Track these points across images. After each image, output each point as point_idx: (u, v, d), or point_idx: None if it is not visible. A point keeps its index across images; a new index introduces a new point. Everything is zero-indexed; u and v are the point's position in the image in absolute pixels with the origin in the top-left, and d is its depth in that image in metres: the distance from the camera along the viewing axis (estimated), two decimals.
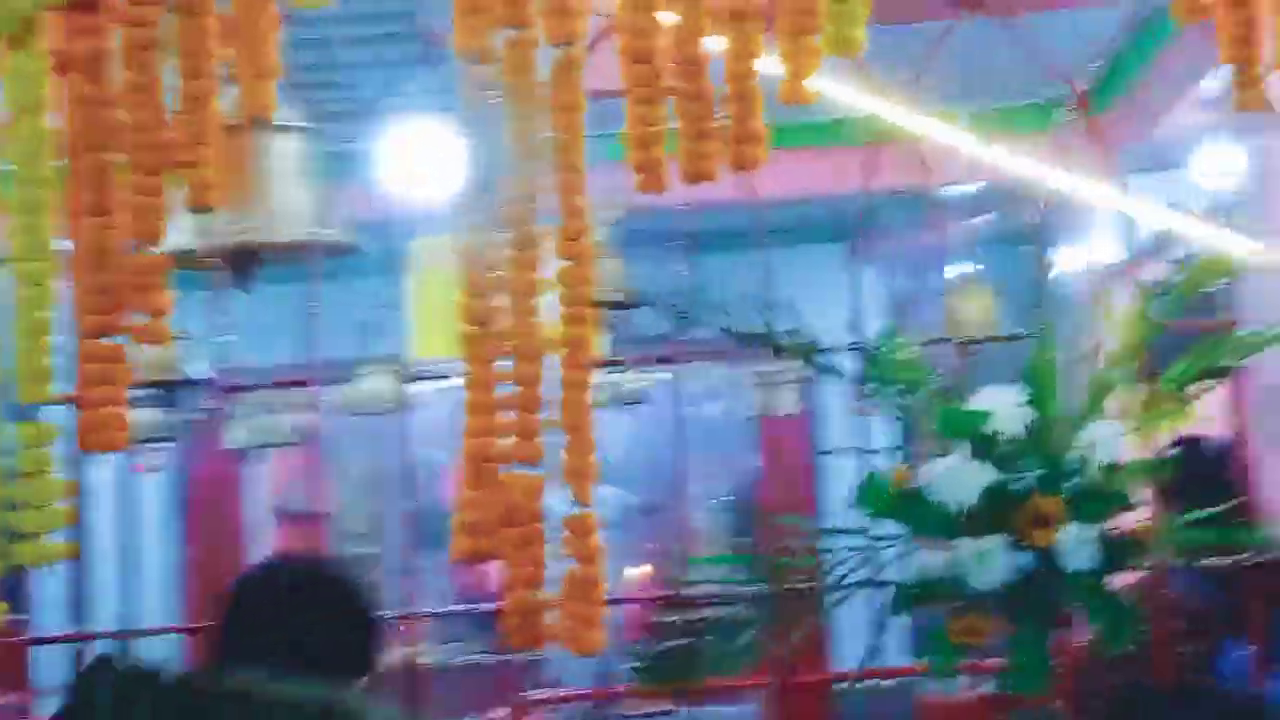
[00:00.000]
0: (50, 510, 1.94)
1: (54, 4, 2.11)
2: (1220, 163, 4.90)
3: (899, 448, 2.86)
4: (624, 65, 2.10)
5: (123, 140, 2.00)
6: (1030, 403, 2.42)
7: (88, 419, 1.97)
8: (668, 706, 6.41)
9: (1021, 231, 6.19)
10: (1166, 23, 4.85)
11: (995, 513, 2.37)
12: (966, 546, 2.36)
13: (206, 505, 8.82)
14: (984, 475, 2.37)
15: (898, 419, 2.59)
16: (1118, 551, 2.36)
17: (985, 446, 2.40)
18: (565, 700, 7.02)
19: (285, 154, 2.75)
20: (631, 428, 8.95)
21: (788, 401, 7.75)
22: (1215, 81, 5.10)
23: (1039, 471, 2.39)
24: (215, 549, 8.39)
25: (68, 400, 2.01)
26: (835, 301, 6.20)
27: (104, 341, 1.99)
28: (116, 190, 1.98)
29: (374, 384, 6.73)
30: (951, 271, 7.05)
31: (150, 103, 2.01)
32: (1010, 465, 2.41)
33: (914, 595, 2.42)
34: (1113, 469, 2.38)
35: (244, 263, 2.68)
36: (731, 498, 9.59)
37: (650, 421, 7.43)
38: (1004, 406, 2.41)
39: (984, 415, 2.40)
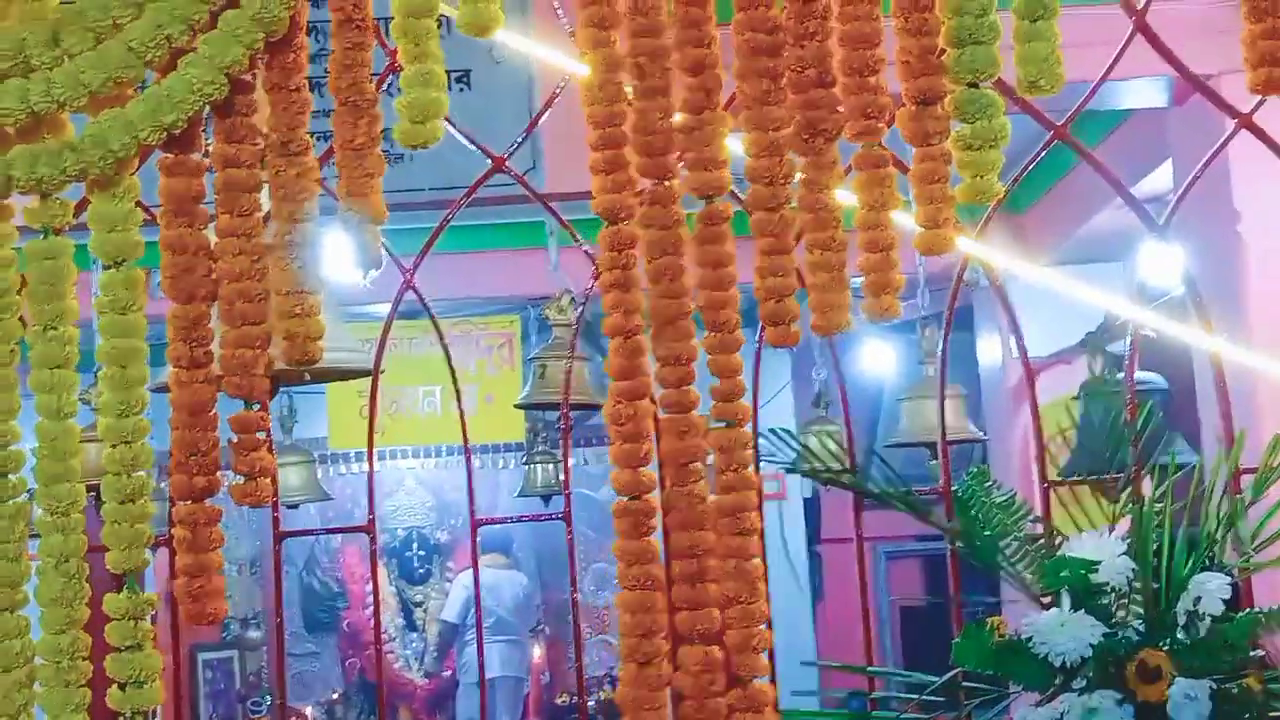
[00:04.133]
0: None
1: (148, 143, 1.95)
2: (1161, 260, 4.84)
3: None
4: None
5: None
6: (1131, 552, 2.34)
7: None
8: None
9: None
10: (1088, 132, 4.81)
11: (1102, 667, 2.29)
12: (1072, 702, 2.27)
13: None
14: (1093, 629, 2.28)
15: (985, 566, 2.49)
16: (1230, 707, 2.28)
17: (1090, 598, 2.32)
18: None
19: None
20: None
21: None
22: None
23: (1144, 624, 2.31)
24: None
25: None
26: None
27: None
28: None
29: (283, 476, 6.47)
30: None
31: None
32: (1114, 617, 2.33)
33: None
34: (1222, 620, 2.31)
35: None
36: None
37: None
38: (1107, 555, 2.33)
39: (1090, 565, 2.32)
